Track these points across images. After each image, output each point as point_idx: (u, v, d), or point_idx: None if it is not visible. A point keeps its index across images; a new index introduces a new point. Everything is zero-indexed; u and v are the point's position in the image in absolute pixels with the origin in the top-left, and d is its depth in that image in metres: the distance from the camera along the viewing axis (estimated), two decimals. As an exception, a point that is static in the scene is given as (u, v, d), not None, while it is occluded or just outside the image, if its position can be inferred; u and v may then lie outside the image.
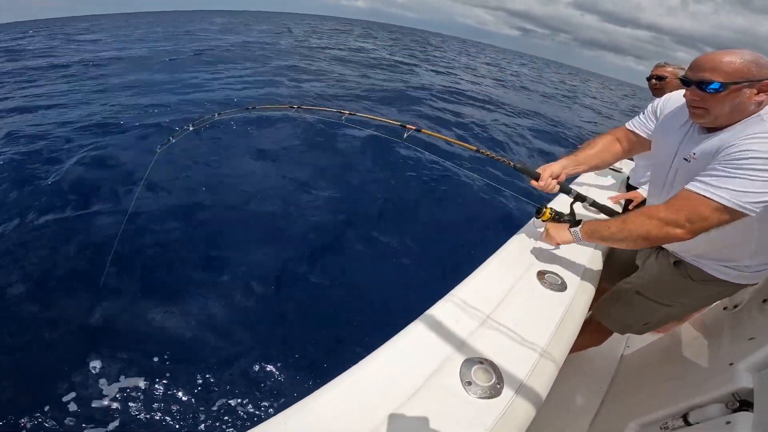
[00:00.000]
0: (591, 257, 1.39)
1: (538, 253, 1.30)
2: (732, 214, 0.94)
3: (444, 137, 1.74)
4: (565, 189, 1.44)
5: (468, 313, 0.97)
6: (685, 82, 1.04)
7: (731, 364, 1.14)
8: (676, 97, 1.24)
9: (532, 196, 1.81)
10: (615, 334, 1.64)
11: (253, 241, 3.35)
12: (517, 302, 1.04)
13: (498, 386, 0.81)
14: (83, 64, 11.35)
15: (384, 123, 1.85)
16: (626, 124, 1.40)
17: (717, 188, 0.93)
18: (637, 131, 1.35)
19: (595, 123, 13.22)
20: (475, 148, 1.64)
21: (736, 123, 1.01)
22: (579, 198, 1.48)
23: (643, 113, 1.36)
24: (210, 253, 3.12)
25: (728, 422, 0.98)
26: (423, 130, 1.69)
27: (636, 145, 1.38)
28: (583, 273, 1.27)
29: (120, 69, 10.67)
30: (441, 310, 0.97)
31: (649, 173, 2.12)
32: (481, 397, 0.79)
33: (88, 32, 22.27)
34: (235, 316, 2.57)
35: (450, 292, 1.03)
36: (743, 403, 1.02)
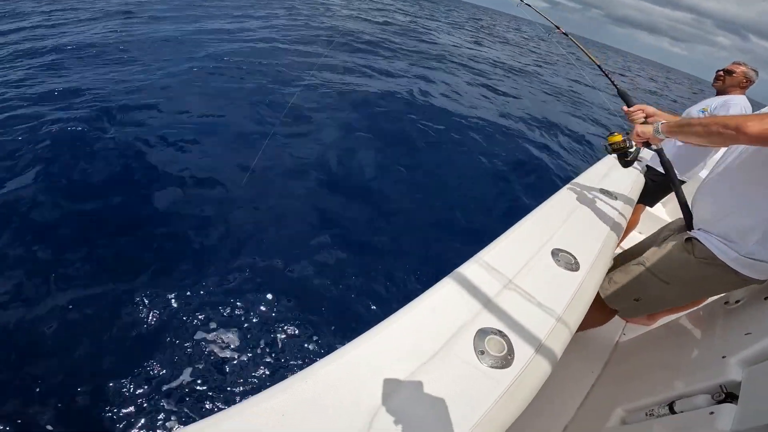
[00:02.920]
0: (606, 238, 1.40)
1: (553, 232, 1.32)
2: None
3: (585, 50, 2.09)
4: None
5: (482, 285, 1.00)
6: None
7: (724, 357, 1.17)
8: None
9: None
10: (613, 321, 1.68)
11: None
12: (531, 278, 1.07)
13: (509, 357, 0.85)
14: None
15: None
16: (713, 113, 1.55)
17: None
18: None
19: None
20: (598, 62, 1.98)
21: None
22: (647, 144, 1.53)
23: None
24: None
25: (711, 412, 1.02)
26: (569, 35, 2.20)
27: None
28: (598, 254, 1.29)
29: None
30: (455, 280, 1.00)
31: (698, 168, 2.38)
32: (492, 367, 0.82)
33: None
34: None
35: (461, 266, 1.05)
36: (729, 395, 1.05)
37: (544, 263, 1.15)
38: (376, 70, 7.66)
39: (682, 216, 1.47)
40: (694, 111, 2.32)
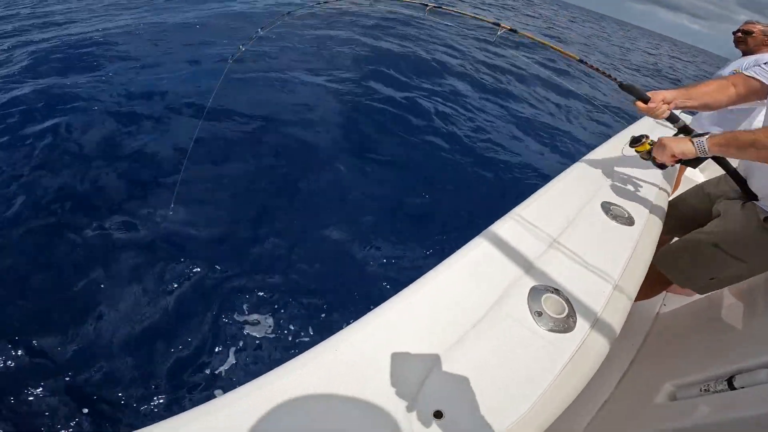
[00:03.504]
0: (657, 195, 1.30)
1: (601, 184, 1.23)
2: None
3: (543, 41, 1.54)
4: (673, 118, 1.34)
5: (533, 235, 0.90)
6: None
7: None
8: None
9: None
10: None
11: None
12: (583, 230, 0.97)
13: (571, 320, 0.75)
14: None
15: (476, 19, 1.62)
16: (745, 72, 1.40)
17: None
18: (760, 78, 1.33)
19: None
20: (578, 58, 1.49)
21: None
22: (685, 131, 1.33)
23: (762, 67, 1.36)
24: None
25: None
26: (520, 32, 1.48)
27: (753, 94, 1.37)
28: (651, 209, 1.19)
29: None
30: (503, 228, 0.90)
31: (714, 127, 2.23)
32: (552, 330, 0.72)
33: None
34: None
35: (511, 210, 0.96)
36: None
37: (595, 217, 1.06)
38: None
39: (721, 178, 1.39)
40: (726, 72, 2.22)
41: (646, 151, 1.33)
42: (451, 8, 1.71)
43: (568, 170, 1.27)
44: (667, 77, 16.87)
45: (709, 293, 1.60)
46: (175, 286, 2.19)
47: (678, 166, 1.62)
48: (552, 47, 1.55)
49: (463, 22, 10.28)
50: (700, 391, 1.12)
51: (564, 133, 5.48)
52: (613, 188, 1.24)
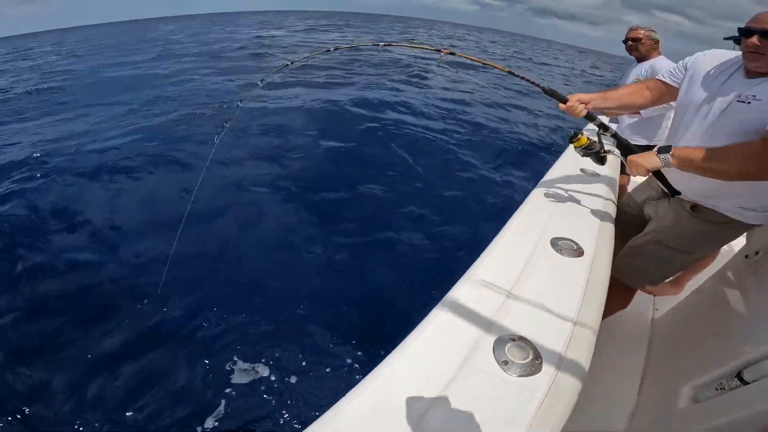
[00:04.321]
0: (602, 217, 1.36)
1: (547, 221, 1.26)
2: None
3: (478, 59, 1.78)
4: (590, 116, 1.49)
5: (490, 290, 0.93)
6: (747, 32, 1.16)
7: None
8: (711, 54, 1.38)
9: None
10: (640, 298, 1.68)
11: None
12: (536, 273, 1.00)
13: (537, 362, 0.77)
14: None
15: (422, 49, 1.91)
16: (658, 77, 1.53)
17: None
18: (668, 81, 1.47)
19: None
20: (507, 70, 1.69)
21: None
22: (603, 127, 1.48)
23: (674, 68, 1.48)
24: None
25: None
26: (456, 53, 1.75)
27: (665, 95, 1.50)
28: (598, 234, 1.23)
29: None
30: (461, 291, 0.93)
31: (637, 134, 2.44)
32: (521, 376, 0.75)
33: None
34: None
35: (467, 272, 0.99)
36: None
37: (546, 256, 1.07)
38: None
39: (644, 184, 1.53)
40: (629, 82, 2.40)
41: (582, 146, 1.46)
42: (402, 43, 1.99)
43: (516, 213, 1.31)
44: (591, 83, 19.13)
45: (695, 287, 1.68)
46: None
47: (618, 170, 1.80)
48: (484, 62, 1.76)
49: (414, 55, 11.75)
50: (716, 389, 1.12)
51: (517, 151, 5.91)
52: (561, 219, 1.28)
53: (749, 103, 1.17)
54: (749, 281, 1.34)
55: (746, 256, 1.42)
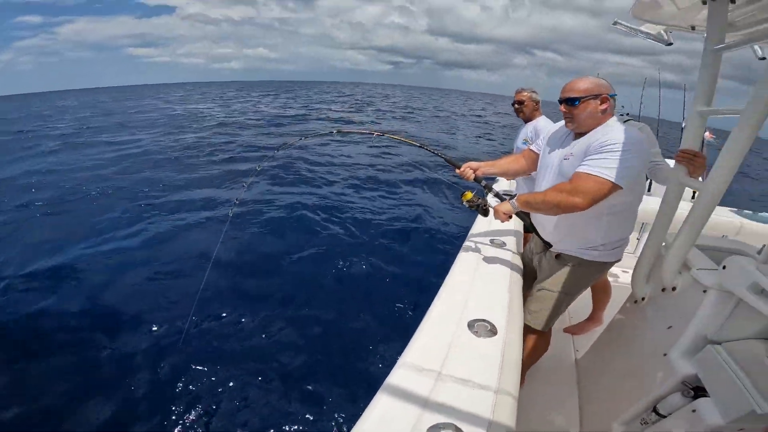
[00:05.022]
0: (511, 287, 1.49)
1: (464, 304, 1.33)
2: (604, 184, 1.26)
3: (395, 136, 2.15)
4: (477, 179, 1.76)
5: (421, 375, 0.99)
6: (560, 101, 1.44)
7: (665, 354, 1.21)
8: (553, 126, 1.69)
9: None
10: (562, 342, 1.93)
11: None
12: (459, 359, 1.05)
13: None
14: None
15: (360, 134, 2.39)
16: (531, 147, 1.79)
17: (595, 167, 1.29)
18: (535, 150, 1.75)
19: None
20: (419, 144, 2.02)
21: (593, 129, 1.39)
22: (487, 188, 1.79)
23: (540, 139, 1.74)
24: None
25: (693, 410, 1.04)
26: (386, 134, 2.16)
27: (533, 163, 1.74)
28: (509, 308, 1.33)
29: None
30: (395, 378, 0.98)
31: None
32: None
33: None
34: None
35: (399, 359, 1.06)
36: (696, 389, 1.08)
37: (465, 340, 1.14)
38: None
39: (534, 239, 1.76)
40: (519, 144, 2.58)
41: (468, 200, 1.70)
42: (355, 129, 2.43)
43: (438, 296, 1.39)
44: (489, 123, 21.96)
45: (605, 323, 1.87)
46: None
47: (521, 239, 2.07)
48: (400, 139, 2.09)
49: (358, 138, 13.23)
50: (641, 424, 1.21)
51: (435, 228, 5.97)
52: (476, 299, 1.36)
53: (568, 159, 1.43)
54: (643, 326, 1.48)
55: (635, 302, 1.57)
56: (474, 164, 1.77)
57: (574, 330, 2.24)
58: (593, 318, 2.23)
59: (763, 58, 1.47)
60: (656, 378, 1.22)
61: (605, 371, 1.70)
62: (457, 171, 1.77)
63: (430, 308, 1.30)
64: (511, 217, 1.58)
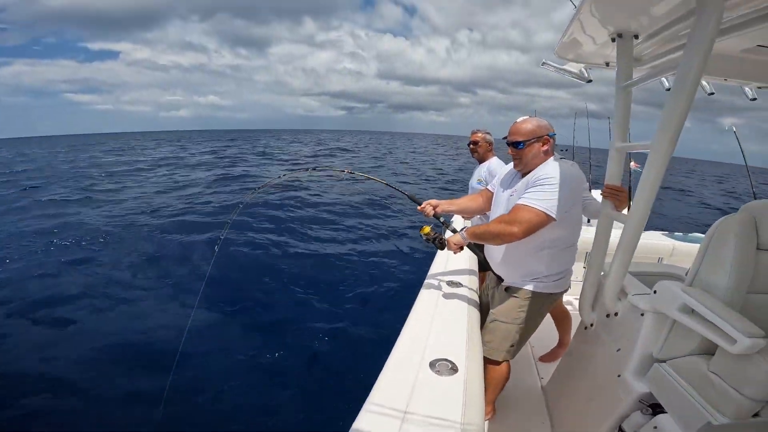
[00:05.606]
0: (469, 324, 1.51)
1: (425, 344, 1.35)
2: (539, 215, 1.35)
3: (367, 176, 2.30)
4: (436, 215, 1.88)
5: (387, 417, 1.01)
6: (508, 144, 1.56)
7: (619, 375, 1.25)
8: (505, 167, 1.80)
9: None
10: (525, 371, 1.99)
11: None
12: (422, 399, 1.07)
13: None
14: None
15: (333, 170, 2.67)
16: (489, 186, 1.89)
17: (530, 199, 1.38)
18: (491, 189, 1.85)
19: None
20: (385, 182, 2.17)
21: (536, 167, 1.50)
22: (444, 224, 1.92)
23: (495, 179, 1.82)
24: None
25: (655, 427, 1.07)
26: (355, 173, 2.31)
27: (489, 201, 1.83)
28: (467, 344, 1.35)
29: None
30: (363, 422, 0.99)
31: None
32: None
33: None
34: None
35: (366, 401, 1.07)
36: (654, 406, 1.12)
37: (427, 379, 1.15)
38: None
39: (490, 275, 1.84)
40: (474, 183, 2.66)
41: (425, 233, 1.76)
42: (330, 168, 2.69)
43: (400, 336, 1.40)
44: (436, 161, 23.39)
45: (568, 347, 1.91)
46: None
47: (477, 276, 2.11)
48: (370, 178, 2.23)
49: (333, 176, 13.08)
50: None
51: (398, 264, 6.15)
52: (437, 338, 1.38)
53: (513, 195, 1.55)
54: (594, 348, 1.53)
55: (585, 328, 1.63)
56: (434, 202, 1.88)
57: (547, 358, 2.33)
58: (561, 343, 2.33)
59: (669, 89, 1.65)
60: (616, 399, 1.27)
61: (571, 395, 1.74)
62: (419, 208, 1.88)
63: (393, 349, 1.33)
64: (462, 248, 1.67)
